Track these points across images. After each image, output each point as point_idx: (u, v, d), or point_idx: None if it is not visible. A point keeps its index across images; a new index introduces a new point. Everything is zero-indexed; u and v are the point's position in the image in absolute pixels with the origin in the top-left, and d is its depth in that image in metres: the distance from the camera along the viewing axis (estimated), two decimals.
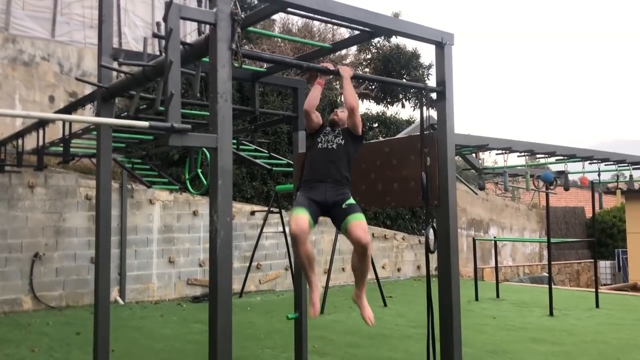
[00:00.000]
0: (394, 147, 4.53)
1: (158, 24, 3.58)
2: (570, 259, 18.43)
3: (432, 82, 15.90)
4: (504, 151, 4.86)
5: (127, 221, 8.93)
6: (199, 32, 3.40)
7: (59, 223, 8.40)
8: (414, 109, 14.88)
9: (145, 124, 2.81)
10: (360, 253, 3.68)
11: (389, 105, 14.98)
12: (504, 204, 17.06)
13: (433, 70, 15.18)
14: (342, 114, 4.16)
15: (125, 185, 8.95)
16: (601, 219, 19.76)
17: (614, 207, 20.07)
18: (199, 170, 7.38)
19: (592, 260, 17.54)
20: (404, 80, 14.56)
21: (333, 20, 3.82)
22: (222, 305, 2.90)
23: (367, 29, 3.96)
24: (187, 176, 7.55)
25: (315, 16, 3.80)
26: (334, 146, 3.93)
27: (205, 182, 7.31)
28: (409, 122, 13.13)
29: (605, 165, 6.17)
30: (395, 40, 14.51)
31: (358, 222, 3.65)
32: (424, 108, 4.08)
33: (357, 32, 4.25)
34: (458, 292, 4.09)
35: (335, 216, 3.78)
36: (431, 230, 4.09)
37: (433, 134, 4.15)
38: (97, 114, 4.48)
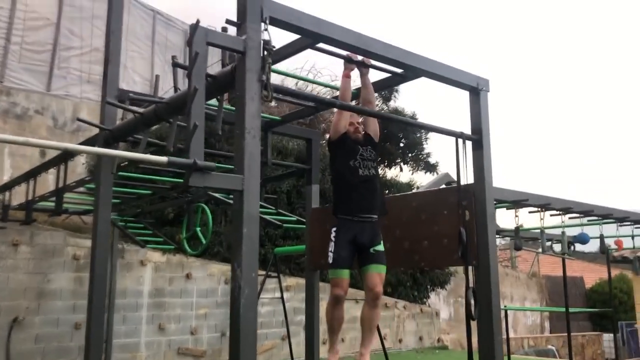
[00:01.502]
0: (422, 201, 4.15)
1: (173, 57, 3.25)
2: (572, 331, 17.78)
3: (428, 146, 15.52)
4: (540, 208, 4.51)
5: (116, 284, 8.33)
6: (223, 65, 3.08)
7: (43, 285, 7.78)
8: (412, 173, 14.68)
9: (164, 159, 2.40)
10: (372, 300, 3.75)
11: (386, 169, 14.74)
12: (504, 272, 16.58)
13: (430, 134, 15.10)
14: (359, 124, 3.98)
15: (116, 245, 8.41)
16: (601, 289, 19.27)
17: (613, 277, 19.66)
18: (198, 229, 6.91)
19: (596, 333, 17.01)
20: (402, 143, 14.42)
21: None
22: None
23: (399, 71, 3.67)
24: (184, 235, 7.07)
25: (344, 52, 3.52)
26: (373, 172, 3.86)
27: (204, 241, 6.84)
28: (409, 185, 12.84)
29: (636, 227, 5.82)
30: (394, 103, 14.47)
31: (379, 273, 3.76)
32: (460, 156, 3.73)
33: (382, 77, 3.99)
34: None
35: (360, 257, 3.79)
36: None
37: (470, 186, 3.79)
38: (97, 161, 4.08)
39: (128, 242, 8.49)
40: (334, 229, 3.77)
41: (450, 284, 13.81)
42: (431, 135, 15.07)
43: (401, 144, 14.67)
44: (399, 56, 3.35)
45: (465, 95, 3.89)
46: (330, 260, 3.70)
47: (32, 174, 6.07)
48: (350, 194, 3.78)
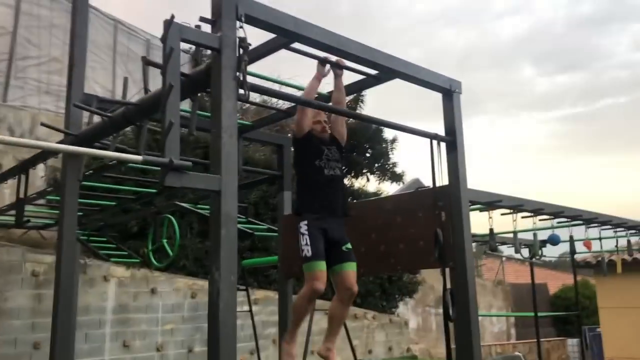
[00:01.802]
0: (398, 204, 4.12)
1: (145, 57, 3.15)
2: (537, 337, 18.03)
3: (395, 156, 15.49)
4: (513, 210, 4.54)
5: (78, 300, 8.02)
6: (195, 65, 2.99)
7: None
8: (379, 183, 14.75)
9: (139, 157, 2.30)
10: (347, 299, 3.74)
11: (353, 179, 14.77)
12: None
13: (396, 145, 15.24)
14: (326, 122, 3.93)
15: (77, 260, 8.11)
16: (564, 295, 19.65)
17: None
18: (165, 241, 6.74)
19: (561, 338, 17.30)
20: (369, 153, 14.47)
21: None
22: None
23: (374, 72, 3.66)
24: (150, 247, 6.88)
25: (319, 53, 3.49)
26: (338, 172, 3.82)
27: (171, 253, 6.67)
28: (376, 195, 12.88)
29: (602, 229, 5.91)
30: (361, 112, 14.54)
31: (354, 271, 3.71)
32: (435, 157, 3.72)
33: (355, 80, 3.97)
34: None
35: (331, 254, 3.67)
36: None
37: (444, 187, 3.78)
38: (63, 170, 3.92)
39: (90, 256, 8.22)
40: (304, 222, 3.63)
41: (418, 293, 13.86)
42: (397, 145, 15.20)
43: (368, 155, 14.73)
44: (375, 57, 3.33)
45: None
46: (309, 254, 3.53)
47: None
48: (315, 193, 3.71)
